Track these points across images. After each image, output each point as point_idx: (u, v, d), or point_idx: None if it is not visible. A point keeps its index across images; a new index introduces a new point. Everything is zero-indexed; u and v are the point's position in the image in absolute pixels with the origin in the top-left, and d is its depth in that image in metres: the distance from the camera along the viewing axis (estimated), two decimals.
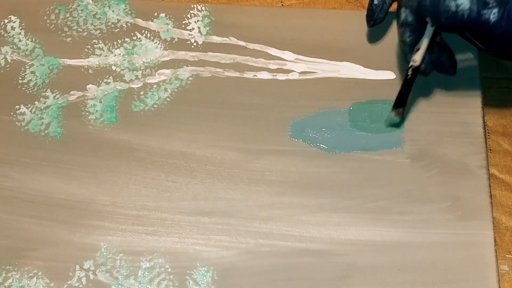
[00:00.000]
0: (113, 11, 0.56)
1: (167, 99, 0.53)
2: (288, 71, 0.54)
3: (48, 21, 0.56)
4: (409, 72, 0.48)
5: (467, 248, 0.47)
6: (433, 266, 0.46)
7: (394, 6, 0.51)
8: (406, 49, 0.48)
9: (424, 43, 0.47)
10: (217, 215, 0.49)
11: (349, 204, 0.49)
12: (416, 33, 0.47)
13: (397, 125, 0.50)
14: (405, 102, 0.49)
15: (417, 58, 0.48)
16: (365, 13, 0.52)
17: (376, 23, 0.52)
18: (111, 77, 0.54)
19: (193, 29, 0.55)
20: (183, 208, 0.49)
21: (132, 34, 0.55)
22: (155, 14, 0.56)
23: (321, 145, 0.51)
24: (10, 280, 0.47)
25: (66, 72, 0.54)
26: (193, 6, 0.56)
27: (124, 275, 0.47)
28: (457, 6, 0.44)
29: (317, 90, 0.53)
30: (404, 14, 0.47)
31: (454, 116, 0.51)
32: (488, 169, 0.49)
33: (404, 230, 0.48)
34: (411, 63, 0.48)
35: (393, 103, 0.49)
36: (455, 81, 0.51)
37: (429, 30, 0.47)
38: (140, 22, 0.56)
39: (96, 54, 0.55)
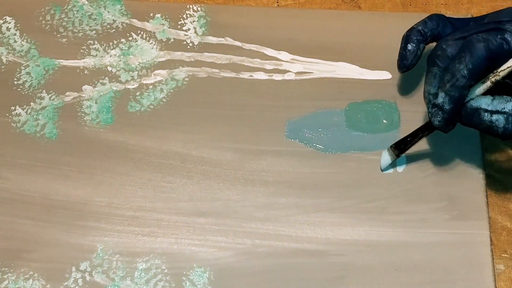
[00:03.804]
0: (108, 11, 0.56)
1: (163, 99, 0.53)
2: (284, 72, 0.54)
3: (43, 21, 0.56)
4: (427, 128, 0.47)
5: (463, 248, 0.47)
6: (430, 265, 0.46)
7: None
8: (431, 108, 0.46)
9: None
10: (213, 215, 0.49)
11: (345, 204, 0.49)
12: (449, 120, 0.45)
13: (389, 166, 0.49)
14: (405, 150, 0.48)
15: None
16: (363, 14, 0.52)
17: (409, 69, 0.49)
18: (106, 78, 0.54)
19: (189, 29, 0.55)
20: (179, 208, 0.49)
21: (127, 34, 0.55)
22: (151, 14, 0.56)
23: (318, 145, 0.51)
24: (6, 282, 0.47)
25: (62, 73, 0.54)
26: (189, 6, 0.56)
27: (120, 276, 0.47)
28: (491, 122, 0.43)
29: (314, 90, 0.53)
30: (442, 99, 0.44)
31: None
32: (484, 169, 0.49)
33: (401, 230, 0.48)
34: (435, 121, 0.45)
35: (395, 142, 0.48)
36: None
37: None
38: (136, 22, 0.56)
39: (92, 55, 0.55)
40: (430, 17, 0.48)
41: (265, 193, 0.49)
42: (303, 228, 0.48)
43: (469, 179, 0.49)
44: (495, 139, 0.51)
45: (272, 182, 0.50)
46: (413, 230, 0.47)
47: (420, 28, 0.48)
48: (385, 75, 0.53)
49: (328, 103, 0.52)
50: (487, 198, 0.48)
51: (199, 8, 0.56)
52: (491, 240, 0.47)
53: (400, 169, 0.49)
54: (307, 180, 0.49)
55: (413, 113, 0.51)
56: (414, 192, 0.49)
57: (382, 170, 0.49)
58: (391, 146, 0.49)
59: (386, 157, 0.49)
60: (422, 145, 0.50)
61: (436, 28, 0.48)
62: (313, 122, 0.51)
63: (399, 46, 0.49)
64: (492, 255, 0.47)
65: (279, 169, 0.50)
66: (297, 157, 0.50)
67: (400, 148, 0.48)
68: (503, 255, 0.48)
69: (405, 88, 0.52)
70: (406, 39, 0.49)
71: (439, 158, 0.50)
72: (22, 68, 0.54)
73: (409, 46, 0.48)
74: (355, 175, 0.49)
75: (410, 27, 0.49)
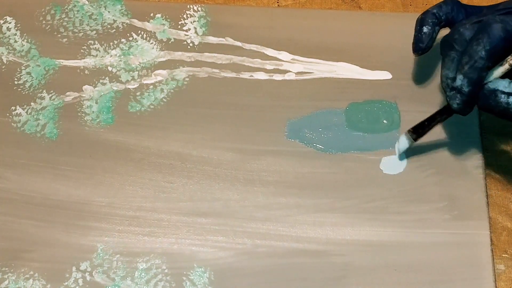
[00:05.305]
0: (109, 11, 0.56)
1: (164, 99, 0.53)
2: (285, 72, 0.54)
3: (44, 21, 0.56)
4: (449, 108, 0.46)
5: (463, 248, 0.47)
6: (430, 265, 0.46)
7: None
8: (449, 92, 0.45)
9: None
10: (214, 215, 0.49)
11: (345, 204, 0.49)
12: (467, 103, 0.45)
13: (404, 152, 0.49)
14: (423, 134, 0.48)
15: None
16: (363, 14, 0.52)
17: (425, 52, 0.48)
18: (107, 78, 0.54)
19: (189, 29, 0.55)
20: (179, 209, 0.49)
21: (128, 34, 0.55)
22: (151, 14, 0.56)
23: (318, 145, 0.51)
24: (6, 282, 0.47)
25: (62, 73, 0.54)
26: (189, 6, 0.56)
27: (120, 276, 0.47)
28: (508, 104, 0.43)
29: (314, 90, 0.53)
30: (461, 82, 0.44)
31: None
32: (484, 169, 0.49)
33: (401, 230, 0.48)
34: (453, 104, 0.45)
35: (413, 126, 0.48)
36: None
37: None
38: (136, 22, 0.56)
39: (92, 55, 0.55)
40: (445, 1, 0.48)
41: (265, 193, 0.49)
42: (303, 228, 0.48)
43: (469, 179, 0.49)
44: (495, 139, 0.51)
45: (272, 182, 0.50)
46: (413, 230, 0.47)
47: (435, 11, 0.48)
48: (385, 75, 0.53)
49: (329, 103, 0.52)
50: (487, 198, 0.48)
51: (199, 8, 0.56)
52: (491, 240, 0.47)
53: (400, 169, 0.49)
54: (307, 180, 0.49)
55: (413, 113, 0.51)
56: (414, 192, 0.49)
57: (398, 155, 0.49)
58: (408, 130, 0.48)
59: (404, 142, 0.49)
60: (422, 145, 0.50)
61: (451, 12, 0.47)
62: (313, 122, 0.51)
63: (400, 46, 0.49)
64: (493, 255, 0.47)
65: (279, 169, 0.50)
66: (297, 157, 0.50)
67: (418, 132, 0.48)
68: (503, 255, 0.48)
69: (406, 88, 0.52)
70: (421, 21, 0.48)
71: (439, 158, 0.50)
72: (23, 68, 0.54)
73: (425, 29, 0.47)
74: (355, 175, 0.49)
75: (425, 10, 0.48)
